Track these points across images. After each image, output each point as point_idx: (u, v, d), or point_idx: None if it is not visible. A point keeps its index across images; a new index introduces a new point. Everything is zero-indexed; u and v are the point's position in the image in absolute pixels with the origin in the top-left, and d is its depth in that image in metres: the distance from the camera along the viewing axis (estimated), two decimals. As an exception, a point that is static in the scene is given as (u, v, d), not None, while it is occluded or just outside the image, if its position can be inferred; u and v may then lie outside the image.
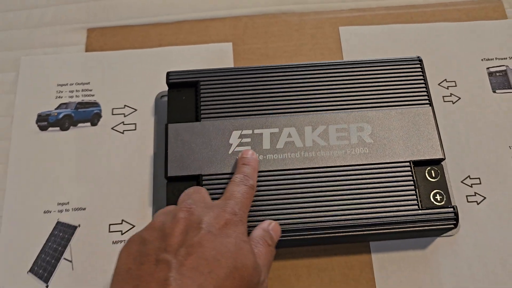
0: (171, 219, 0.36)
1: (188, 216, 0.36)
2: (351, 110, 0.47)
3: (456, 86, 0.54)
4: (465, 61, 0.55)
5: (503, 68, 0.55)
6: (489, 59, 0.56)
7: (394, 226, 0.43)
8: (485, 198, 0.49)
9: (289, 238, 0.43)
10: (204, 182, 0.44)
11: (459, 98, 0.54)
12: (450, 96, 0.54)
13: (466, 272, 0.46)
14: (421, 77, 0.48)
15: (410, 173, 0.44)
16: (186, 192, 0.40)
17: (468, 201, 0.49)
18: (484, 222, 0.48)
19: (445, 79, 0.55)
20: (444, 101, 0.54)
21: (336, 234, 0.43)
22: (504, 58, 0.56)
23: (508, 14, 0.58)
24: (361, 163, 0.45)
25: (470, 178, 0.50)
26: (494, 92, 0.54)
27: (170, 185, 0.45)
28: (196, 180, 0.45)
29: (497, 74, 0.55)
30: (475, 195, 0.49)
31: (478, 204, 0.49)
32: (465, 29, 0.57)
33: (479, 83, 0.54)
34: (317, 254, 0.47)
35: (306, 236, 0.43)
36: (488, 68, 0.55)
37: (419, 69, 0.49)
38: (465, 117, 0.53)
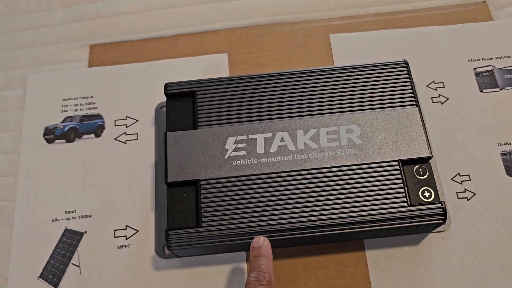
0: None
1: None
2: (341, 113, 0.49)
3: (444, 87, 0.56)
4: (453, 62, 0.57)
5: (490, 68, 0.57)
6: (475, 60, 0.58)
7: (385, 223, 0.45)
8: (475, 194, 0.51)
9: (285, 237, 0.45)
10: (202, 187, 0.46)
11: (447, 99, 0.56)
12: (439, 97, 0.56)
13: (458, 265, 0.48)
14: (408, 80, 0.50)
15: (398, 171, 0.46)
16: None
17: (458, 198, 0.51)
18: (474, 217, 0.50)
19: (433, 81, 0.56)
20: (433, 102, 0.55)
21: (330, 232, 0.45)
22: (491, 59, 0.58)
23: (493, 15, 0.60)
24: (351, 164, 0.47)
25: (460, 175, 0.52)
26: (481, 91, 0.56)
27: (170, 191, 0.47)
28: (194, 185, 0.47)
29: (484, 74, 0.57)
30: (465, 191, 0.51)
31: (468, 200, 0.51)
32: (451, 32, 0.59)
33: (466, 83, 0.56)
34: (313, 253, 0.49)
35: (301, 235, 0.45)
36: (475, 69, 0.57)
37: (406, 72, 0.51)
38: (453, 117, 0.55)
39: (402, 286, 0.47)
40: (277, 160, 0.47)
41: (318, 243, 0.49)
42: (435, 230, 0.50)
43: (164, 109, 0.56)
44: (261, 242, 0.43)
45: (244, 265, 0.49)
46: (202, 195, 0.46)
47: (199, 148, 0.48)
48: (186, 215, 0.46)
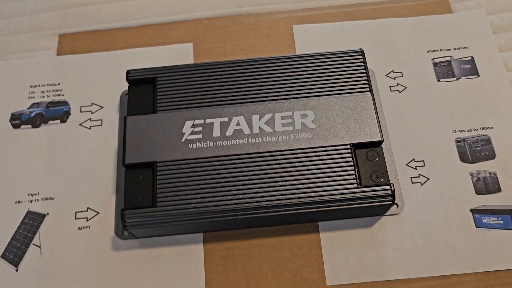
0: None
1: None
2: (297, 99, 0.51)
3: (402, 76, 0.58)
4: (412, 53, 0.59)
5: (448, 58, 0.59)
6: (434, 51, 0.59)
7: (336, 204, 0.46)
8: (428, 179, 0.52)
9: (239, 217, 0.46)
10: (158, 169, 0.48)
11: (405, 88, 0.57)
12: (397, 86, 0.57)
13: (410, 248, 0.49)
14: (363, 67, 0.52)
15: (350, 155, 0.48)
16: None
17: (412, 182, 0.52)
18: (427, 201, 0.51)
19: (392, 70, 0.58)
20: (391, 91, 0.57)
21: (283, 213, 0.46)
22: (449, 49, 0.59)
23: (453, 8, 0.62)
24: (304, 147, 0.48)
25: (415, 161, 0.53)
26: (439, 81, 0.57)
27: (128, 173, 0.48)
28: (151, 167, 0.48)
29: (442, 64, 0.58)
30: (419, 176, 0.53)
31: (422, 184, 0.52)
32: (411, 24, 0.61)
33: (424, 73, 0.58)
34: (268, 235, 0.50)
35: (254, 215, 0.46)
36: (433, 59, 0.59)
37: (361, 60, 0.52)
38: (411, 105, 0.56)
39: (354, 266, 0.48)
40: (233, 143, 0.49)
41: (273, 225, 0.51)
42: (388, 213, 0.51)
43: (129, 96, 0.57)
44: None
45: (201, 246, 0.50)
46: (158, 177, 0.47)
47: (157, 132, 0.49)
48: (143, 196, 0.47)
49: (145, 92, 0.52)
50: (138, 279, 0.48)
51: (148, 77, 0.52)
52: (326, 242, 0.50)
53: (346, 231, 0.50)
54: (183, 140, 0.49)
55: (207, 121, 0.50)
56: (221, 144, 0.49)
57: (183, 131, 0.49)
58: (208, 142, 0.49)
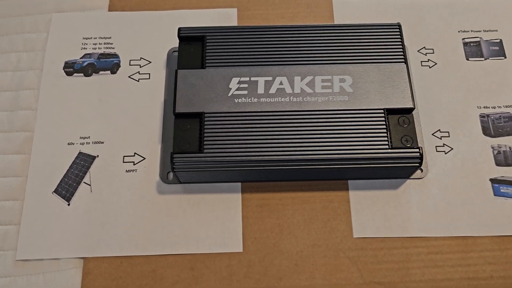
0: None
1: None
2: (336, 64, 0.54)
3: (433, 53, 0.61)
4: (444, 32, 0.62)
5: (477, 39, 0.62)
6: (465, 31, 0.63)
7: (368, 162, 0.50)
8: (452, 149, 0.56)
9: (277, 168, 0.50)
10: (206, 119, 0.51)
11: (436, 64, 0.61)
12: (428, 61, 0.61)
13: (432, 209, 0.53)
14: (399, 40, 0.55)
15: (383, 118, 0.51)
16: None
17: (437, 151, 0.56)
18: (449, 169, 0.55)
19: (424, 47, 0.61)
20: (422, 66, 0.60)
21: (318, 167, 0.50)
22: (479, 31, 0.63)
23: (485, -7, 0.65)
24: (341, 109, 0.52)
25: (440, 132, 0.57)
26: (468, 59, 0.61)
27: (177, 121, 0.52)
28: (199, 117, 0.52)
29: (471, 44, 0.62)
30: (443, 146, 0.56)
31: (445, 153, 0.56)
32: (445, 4, 0.64)
33: (454, 51, 0.61)
34: (301, 189, 0.54)
35: (291, 167, 0.50)
36: (463, 39, 0.62)
37: (398, 33, 0.56)
38: (439, 80, 0.60)
39: (379, 222, 0.53)
40: (275, 100, 0.52)
41: (306, 180, 0.55)
42: (413, 177, 0.55)
43: (175, 53, 0.61)
44: None
45: (239, 195, 0.54)
46: (205, 126, 0.51)
47: (206, 85, 0.53)
48: (190, 142, 0.51)
49: (194, 49, 0.56)
50: (181, 221, 0.53)
51: (198, 35, 0.56)
52: (354, 199, 0.54)
53: (374, 191, 0.54)
54: (229, 94, 0.53)
55: (252, 79, 0.53)
56: (265, 100, 0.52)
57: (230, 86, 0.53)
58: (252, 98, 0.52)
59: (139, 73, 0.60)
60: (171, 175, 0.55)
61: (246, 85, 0.53)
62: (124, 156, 0.56)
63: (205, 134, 0.51)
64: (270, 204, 0.54)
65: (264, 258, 0.51)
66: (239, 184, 0.55)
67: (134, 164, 0.55)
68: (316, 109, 0.52)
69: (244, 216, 0.53)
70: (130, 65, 0.60)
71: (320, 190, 0.54)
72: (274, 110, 0.52)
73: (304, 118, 0.52)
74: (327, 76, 0.53)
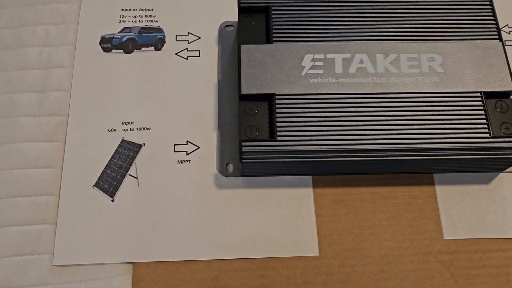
0: None
1: None
2: (423, 41, 0.47)
3: (515, 32, 0.55)
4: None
5: None
6: (550, 8, 0.56)
7: (464, 153, 0.43)
8: (546, 138, 0.49)
9: (360, 159, 0.43)
10: (277, 102, 0.44)
11: (519, 43, 0.54)
12: (510, 40, 0.54)
13: (528, 207, 0.47)
14: (492, 16, 0.49)
15: (481, 102, 0.45)
16: None
17: (529, 141, 0.49)
18: (545, 161, 0.49)
19: (507, 24, 0.55)
20: (506, 45, 0.54)
21: (408, 158, 0.43)
22: None
23: None
24: (432, 91, 0.45)
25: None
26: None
27: (243, 104, 0.45)
28: (267, 99, 0.45)
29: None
30: (536, 135, 0.50)
31: (539, 144, 0.49)
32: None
33: (540, 30, 0.55)
34: (380, 183, 0.47)
35: (377, 158, 0.43)
36: (548, 17, 0.55)
37: (490, 9, 0.49)
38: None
39: (473, 221, 0.46)
40: (356, 81, 0.45)
41: (388, 173, 0.48)
42: (507, 170, 0.48)
43: (229, 28, 0.53)
44: None
45: (310, 190, 0.47)
46: (277, 110, 0.44)
47: (274, 63, 0.46)
48: (259, 129, 0.44)
49: (256, 22, 0.48)
50: (246, 219, 0.45)
51: (261, 6, 0.48)
52: (442, 195, 0.47)
53: (462, 186, 0.48)
54: (303, 74, 0.45)
55: (328, 56, 0.46)
56: (344, 81, 0.45)
57: (303, 64, 0.46)
58: (330, 78, 0.45)
59: (187, 50, 0.52)
60: (231, 166, 0.47)
61: (321, 63, 0.46)
62: (175, 145, 0.48)
63: (278, 119, 0.43)
64: (346, 200, 0.47)
65: (344, 263, 0.44)
66: (309, 177, 0.47)
67: (187, 154, 0.48)
68: (404, 91, 0.45)
69: (317, 214, 0.46)
70: (176, 40, 0.53)
71: (401, 184, 0.48)
72: (356, 92, 0.45)
73: (390, 102, 0.45)
74: (414, 54, 0.46)
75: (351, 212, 0.46)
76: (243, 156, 0.42)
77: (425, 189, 0.47)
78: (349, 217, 0.46)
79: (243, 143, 0.42)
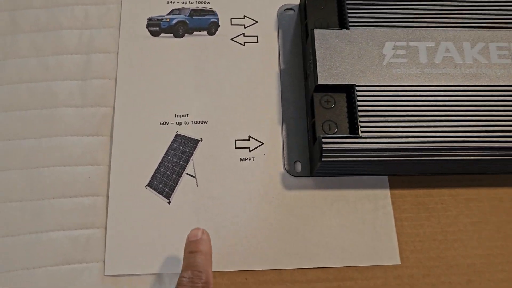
0: None
1: None
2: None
3: None
4: None
5: None
6: None
7: None
8: None
9: (449, 158, 0.39)
10: (358, 93, 0.39)
11: None
12: None
13: None
14: None
15: None
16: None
17: None
18: None
19: None
20: None
21: (501, 158, 0.39)
22: None
23: None
24: (527, 84, 0.41)
25: None
26: None
27: (318, 96, 0.40)
28: (345, 91, 0.40)
29: None
30: None
31: None
32: None
33: None
34: (463, 184, 0.43)
35: (467, 158, 0.39)
36: None
37: None
38: None
39: None
40: (443, 72, 0.41)
41: (468, 173, 0.44)
42: None
43: (289, 12, 0.48)
44: (199, 236, 0.35)
45: (387, 191, 0.42)
46: (358, 103, 0.39)
47: (352, 50, 0.41)
48: (338, 123, 0.39)
49: (326, 5, 0.44)
50: (319, 224, 0.41)
51: (332, -14, 0.43)
52: (530, 197, 0.43)
53: (550, 187, 0.44)
54: (384, 63, 0.41)
55: (411, 43, 0.42)
56: (429, 71, 0.41)
57: (384, 52, 0.41)
58: (414, 68, 0.41)
59: (243, 35, 0.47)
60: (299, 165, 0.43)
61: (404, 52, 0.41)
62: (236, 141, 0.43)
63: (360, 113, 0.39)
64: (426, 203, 0.42)
65: (428, 273, 0.40)
66: (385, 177, 0.43)
67: (250, 151, 0.43)
68: (496, 84, 0.41)
69: (396, 218, 0.42)
70: (231, 24, 0.48)
71: (484, 186, 0.43)
72: (443, 84, 0.40)
73: (480, 96, 0.40)
74: (504, 43, 0.42)
75: (432, 216, 0.42)
76: (323, 154, 0.38)
77: (510, 191, 0.43)
78: (432, 221, 0.42)
79: (324, 140, 0.38)
